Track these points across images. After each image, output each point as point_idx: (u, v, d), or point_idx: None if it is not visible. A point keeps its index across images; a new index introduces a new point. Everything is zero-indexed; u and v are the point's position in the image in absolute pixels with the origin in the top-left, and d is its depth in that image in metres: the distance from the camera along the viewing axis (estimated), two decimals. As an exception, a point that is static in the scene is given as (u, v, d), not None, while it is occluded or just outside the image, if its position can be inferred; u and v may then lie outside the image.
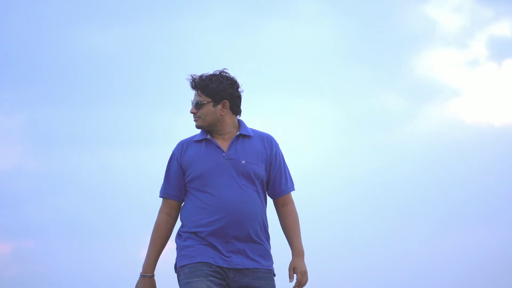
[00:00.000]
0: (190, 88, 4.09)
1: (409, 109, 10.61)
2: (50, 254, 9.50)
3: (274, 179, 4.12)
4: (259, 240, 4.03)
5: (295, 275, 4.05)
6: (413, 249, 9.61)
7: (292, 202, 4.17)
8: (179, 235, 4.08)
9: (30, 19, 10.13)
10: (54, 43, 10.15)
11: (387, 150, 10.14)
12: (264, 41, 10.26)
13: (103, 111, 10.02)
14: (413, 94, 10.59)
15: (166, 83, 9.78)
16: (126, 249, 9.30)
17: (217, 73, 4.07)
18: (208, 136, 4.08)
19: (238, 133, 4.08)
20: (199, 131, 4.12)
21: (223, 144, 4.07)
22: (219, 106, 4.05)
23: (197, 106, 4.06)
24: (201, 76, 4.07)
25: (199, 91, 4.06)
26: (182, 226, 4.08)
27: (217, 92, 4.03)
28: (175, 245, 4.10)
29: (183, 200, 4.11)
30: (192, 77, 4.08)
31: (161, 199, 4.15)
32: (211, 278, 3.92)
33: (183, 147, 4.11)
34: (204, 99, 4.05)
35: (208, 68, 4.09)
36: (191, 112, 4.08)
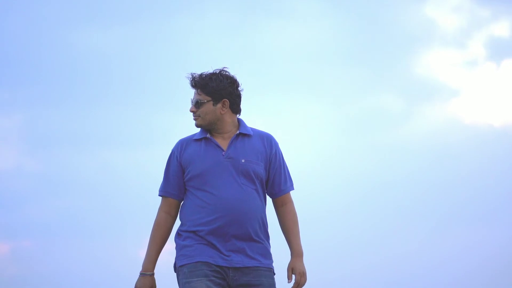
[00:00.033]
0: (190, 87, 4.09)
1: (408, 109, 10.61)
2: (49, 254, 9.50)
3: (273, 178, 4.12)
4: (259, 239, 4.03)
5: (293, 276, 4.04)
6: (413, 249, 9.61)
7: (291, 201, 4.16)
8: (178, 234, 4.08)
9: (30, 19, 10.13)
10: (54, 43, 10.15)
11: (387, 150, 10.15)
12: (264, 41, 10.26)
13: (103, 111, 10.02)
14: (412, 94, 10.60)
15: (166, 83, 9.78)
16: (126, 249, 9.31)
17: (217, 72, 4.07)
18: (208, 135, 4.07)
19: (237, 132, 4.08)
20: (198, 130, 4.12)
21: (223, 143, 4.06)
22: (219, 105, 4.05)
23: (197, 105, 4.06)
24: (201, 75, 4.06)
25: (199, 90, 4.06)
26: (181, 225, 4.08)
27: (217, 91, 4.03)
28: (174, 245, 4.10)
29: (183, 199, 4.11)
30: (192, 75, 4.07)
31: (160, 198, 4.15)
32: (210, 278, 3.92)
33: (183, 145, 4.11)
34: (204, 97, 4.05)
35: (208, 68, 4.10)
36: (191, 111, 4.08)
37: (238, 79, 4.08)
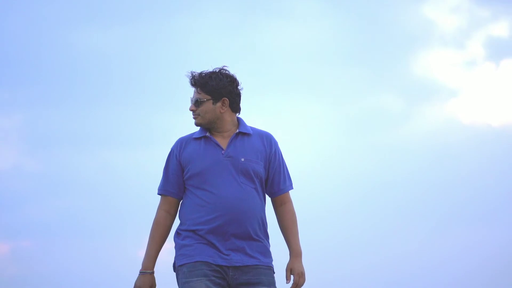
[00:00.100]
0: (190, 86, 4.08)
1: (408, 109, 10.62)
2: (49, 254, 9.50)
3: (272, 177, 4.12)
4: (258, 238, 4.02)
5: (292, 277, 4.04)
6: (413, 249, 9.61)
7: (290, 201, 4.16)
8: (177, 233, 4.07)
9: (30, 19, 10.13)
10: (54, 43, 10.15)
11: (386, 150, 10.15)
12: (264, 41, 10.26)
13: (103, 111, 10.02)
14: (411, 94, 10.60)
15: (166, 83, 9.78)
16: (126, 249, 9.31)
17: (217, 71, 4.06)
18: (207, 134, 4.07)
19: (237, 131, 4.08)
20: (198, 128, 4.12)
21: (222, 141, 4.06)
22: (219, 104, 4.05)
23: (197, 104, 4.06)
24: (200, 74, 4.06)
25: (198, 89, 4.05)
26: (181, 224, 4.08)
27: (217, 89, 4.03)
28: (173, 244, 4.10)
29: (182, 198, 4.11)
30: (192, 74, 4.07)
31: (160, 196, 4.14)
32: (210, 277, 3.91)
33: (182, 144, 4.10)
34: (204, 96, 4.04)
35: (208, 68, 4.09)
36: (190, 110, 4.08)
37: (237, 78, 4.09)
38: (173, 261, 4.08)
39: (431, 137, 10.37)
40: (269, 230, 4.11)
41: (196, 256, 3.95)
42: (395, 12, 10.55)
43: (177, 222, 4.13)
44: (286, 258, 4.11)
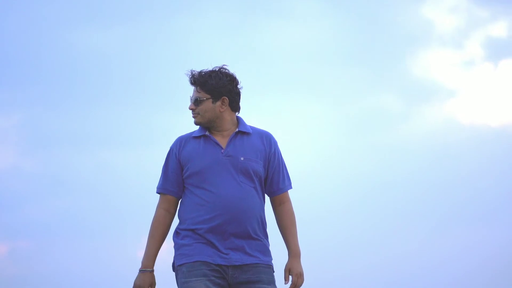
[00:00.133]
0: (189, 84, 4.08)
1: (407, 109, 10.62)
2: (49, 254, 9.50)
3: (272, 176, 4.11)
4: (257, 237, 4.02)
5: (290, 277, 4.04)
6: (413, 249, 9.61)
7: (289, 200, 4.15)
8: (176, 233, 4.06)
9: (30, 19, 10.13)
10: (54, 43, 10.15)
11: (386, 150, 10.15)
12: (264, 41, 10.27)
13: (103, 111, 10.02)
14: (410, 95, 10.61)
15: (166, 83, 9.78)
16: (126, 249, 9.30)
17: (217, 70, 4.06)
18: (207, 133, 4.07)
19: (237, 130, 4.08)
20: (198, 127, 4.12)
21: (222, 140, 4.06)
22: (218, 103, 4.05)
23: (196, 103, 4.05)
24: (200, 72, 4.06)
25: (198, 88, 4.05)
26: (180, 223, 4.07)
27: (216, 88, 4.02)
28: (172, 244, 4.09)
29: (181, 196, 4.10)
30: (192, 73, 4.07)
31: (159, 195, 4.13)
32: (209, 277, 3.91)
33: (182, 142, 4.10)
34: (203, 95, 4.04)
35: (208, 68, 4.08)
36: (190, 109, 4.07)
37: (237, 77, 4.08)
38: (172, 261, 4.07)
39: (431, 137, 10.38)
40: (268, 230, 4.11)
41: (195, 256, 3.95)
42: (395, 12, 10.56)
43: (176, 221, 4.13)
44: (285, 258, 4.10)
